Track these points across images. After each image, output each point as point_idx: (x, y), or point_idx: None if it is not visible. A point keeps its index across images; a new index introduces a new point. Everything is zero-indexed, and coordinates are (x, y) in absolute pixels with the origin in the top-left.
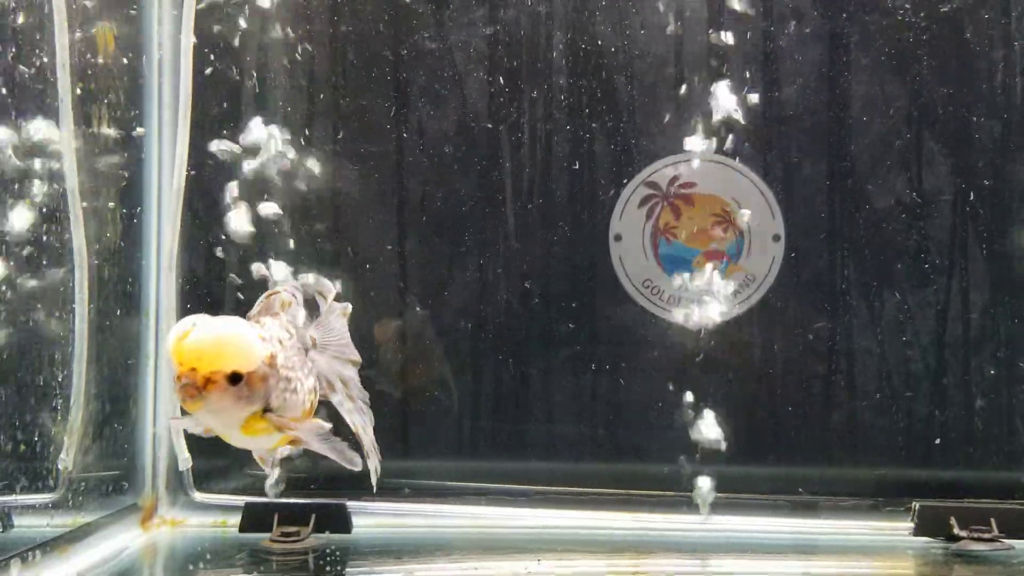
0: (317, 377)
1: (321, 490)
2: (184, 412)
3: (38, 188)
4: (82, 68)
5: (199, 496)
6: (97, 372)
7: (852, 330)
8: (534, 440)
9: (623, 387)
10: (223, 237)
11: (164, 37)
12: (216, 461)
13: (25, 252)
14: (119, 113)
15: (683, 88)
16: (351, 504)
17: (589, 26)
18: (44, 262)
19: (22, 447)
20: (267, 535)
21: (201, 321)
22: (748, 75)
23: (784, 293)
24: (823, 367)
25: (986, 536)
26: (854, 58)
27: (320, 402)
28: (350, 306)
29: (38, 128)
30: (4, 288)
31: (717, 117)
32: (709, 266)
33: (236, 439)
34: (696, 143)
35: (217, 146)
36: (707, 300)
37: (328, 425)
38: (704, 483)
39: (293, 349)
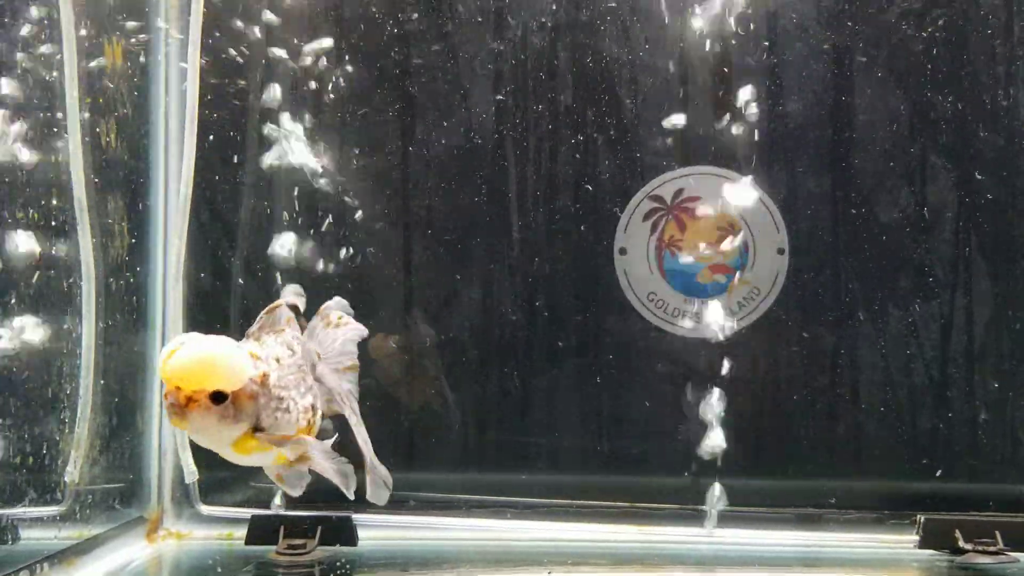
0: (329, 392)
1: (327, 502)
2: None
3: (46, 201)
4: (90, 81)
5: (205, 508)
6: (104, 385)
7: (857, 343)
8: (540, 452)
9: (628, 400)
10: (230, 250)
11: (172, 51)
12: (221, 473)
13: (33, 265)
14: (127, 126)
15: (688, 102)
16: (357, 517)
17: (594, 41)
18: (51, 274)
19: (29, 459)
20: (273, 547)
21: (190, 340)
22: (753, 89)
23: (788, 306)
24: (827, 379)
25: (991, 549)
26: (858, 73)
27: (332, 417)
28: (345, 315)
29: (46, 140)
30: (12, 301)
31: (722, 131)
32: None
33: (230, 456)
34: (701, 156)
35: (224, 158)
36: (712, 313)
37: (328, 443)
38: (709, 496)
39: (291, 367)
